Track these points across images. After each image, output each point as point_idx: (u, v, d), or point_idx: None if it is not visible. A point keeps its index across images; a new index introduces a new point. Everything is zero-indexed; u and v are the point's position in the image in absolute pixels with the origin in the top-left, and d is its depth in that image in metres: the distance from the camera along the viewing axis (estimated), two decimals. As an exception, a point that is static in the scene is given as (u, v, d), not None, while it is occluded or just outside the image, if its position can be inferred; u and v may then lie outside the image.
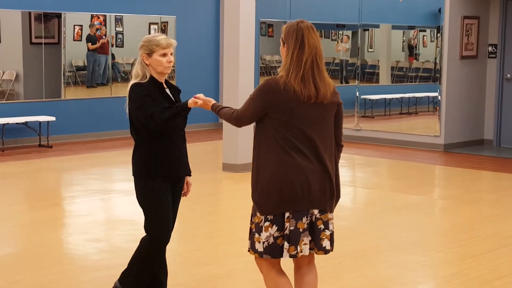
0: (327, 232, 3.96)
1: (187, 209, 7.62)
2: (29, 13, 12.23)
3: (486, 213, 7.94)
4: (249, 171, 9.85)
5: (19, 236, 6.91)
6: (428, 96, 13.05)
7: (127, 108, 4.51)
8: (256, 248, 3.94)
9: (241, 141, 9.86)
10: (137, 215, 7.48)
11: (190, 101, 4.31)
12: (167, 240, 4.55)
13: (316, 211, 3.91)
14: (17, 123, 11.84)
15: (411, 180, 9.79)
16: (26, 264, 5.90)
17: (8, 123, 11.68)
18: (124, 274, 4.70)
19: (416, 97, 13.66)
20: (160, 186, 4.47)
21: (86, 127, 12.99)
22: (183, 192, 4.74)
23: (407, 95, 13.74)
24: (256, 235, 3.94)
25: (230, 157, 9.96)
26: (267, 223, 3.89)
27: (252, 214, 4.03)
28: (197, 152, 11.46)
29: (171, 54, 4.50)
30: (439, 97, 12.29)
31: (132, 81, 4.50)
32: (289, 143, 3.84)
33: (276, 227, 3.88)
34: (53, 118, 12.13)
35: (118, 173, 10.31)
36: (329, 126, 3.95)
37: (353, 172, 10.57)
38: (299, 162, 3.84)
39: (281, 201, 3.84)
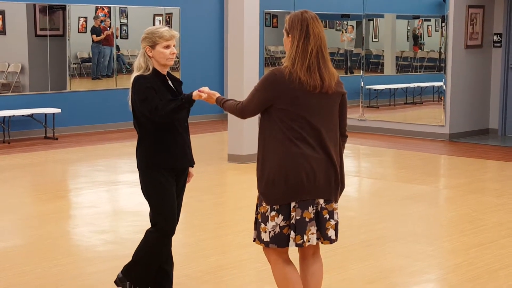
0: (332, 222, 3.98)
1: (193, 200, 7.63)
2: (34, 5, 12.24)
3: (491, 203, 7.93)
4: (254, 162, 9.89)
5: (25, 228, 6.94)
6: (433, 86, 13.04)
7: (130, 101, 4.51)
8: (262, 238, 3.95)
9: (246, 132, 9.87)
10: (143, 206, 7.50)
11: (195, 94, 4.31)
12: (172, 232, 4.57)
13: (321, 201, 3.93)
14: (23, 115, 11.87)
15: (416, 170, 9.79)
16: (33, 255, 5.93)
17: (14, 116, 11.71)
18: (129, 266, 4.70)
19: (421, 87, 13.65)
20: (165, 178, 4.48)
21: (91, 119, 13.01)
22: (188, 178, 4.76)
23: (412, 85, 13.73)
24: (262, 225, 3.95)
25: (235, 148, 9.97)
26: (273, 213, 3.90)
27: (257, 204, 4.04)
28: (202, 143, 11.46)
29: (174, 46, 4.50)
30: (444, 87, 12.27)
31: (135, 73, 4.49)
32: (295, 133, 3.85)
33: (282, 217, 3.89)
34: (58, 110, 12.15)
35: (123, 164, 10.33)
36: (334, 116, 3.96)
37: (358, 162, 10.57)
38: (305, 152, 3.84)
39: (287, 190, 3.85)
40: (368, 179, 9.31)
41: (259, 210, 4.01)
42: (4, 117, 11.65)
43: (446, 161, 10.79)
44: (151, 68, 4.47)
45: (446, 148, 11.63)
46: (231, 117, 9.98)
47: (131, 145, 11.32)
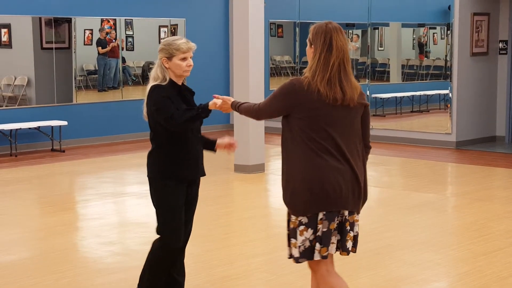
0: (351, 234, 3.95)
1: (200, 211, 7.60)
2: (40, 18, 12.29)
3: (499, 210, 7.91)
4: (260, 172, 9.92)
5: (33, 241, 6.94)
6: (439, 94, 13.02)
7: (145, 110, 4.51)
8: (293, 253, 3.92)
9: (252, 142, 9.87)
10: (150, 217, 7.50)
11: (211, 103, 4.32)
12: (177, 243, 4.55)
13: (346, 212, 3.89)
14: (29, 128, 11.90)
15: (424, 178, 9.77)
16: (40, 268, 5.93)
17: (20, 128, 11.74)
18: (140, 277, 4.72)
19: (427, 95, 13.63)
20: (176, 189, 4.48)
21: (98, 131, 13.03)
22: (232, 147, 4.79)
23: (418, 93, 13.72)
24: (293, 240, 3.91)
25: (242, 158, 9.96)
26: (301, 227, 3.85)
27: (288, 220, 3.98)
28: (208, 153, 11.44)
29: (190, 58, 4.51)
30: (450, 95, 12.26)
31: (151, 83, 4.49)
32: (317, 144, 3.81)
33: (312, 230, 3.85)
34: (65, 123, 12.18)
35: (130, 176, 10.34)
36: (355, 128, 3.92)
37: (365, 171, 10.51)
38: (330, 163, 3.81)
39: (312, 200, 3.80)
40: (375, 187, 9.29)
41: (290, 226, 3.95)
42: (11, 130, 11.68)
43: (453, 169, 10.76)
44: (167, 79, 4.47)
45: (453, 156, 11.61)
46: (237, 127, 9.99)
47: (138, 157, 11.37)
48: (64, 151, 12.00)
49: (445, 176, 10.50)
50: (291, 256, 3.98)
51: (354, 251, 4.01)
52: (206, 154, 4.72)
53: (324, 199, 3.80)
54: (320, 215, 3.83)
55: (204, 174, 4.68)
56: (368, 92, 13.42)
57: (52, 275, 5.70)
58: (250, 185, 9.36)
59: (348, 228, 3.92)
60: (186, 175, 4.51)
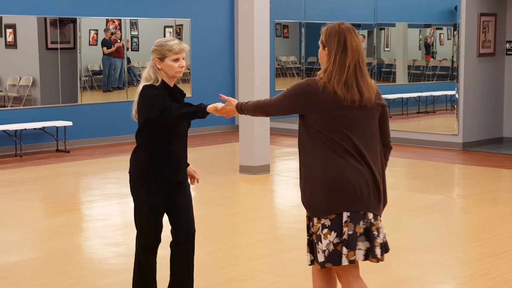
0: (379, 240, 3.83)
1: (205, 212, 7.60)
2: (45, 18, 12.28)
3: (506, 212, 7.86)
4: (266, 173, 9.89)
5: (38, 241, 6.92)
6: (446, 95, 12.97)
7: (134, 110, 4.55)
8: (319, 258, 3.81)
9: (257, 143, 9.84)
10: (155, 218, 7.48)
11: (210, 106, 4.26)
12: (148, 245, 4.60)
13: (370, 215, 3.80)
14: (34, 129, 11.89)
15: (430, 180, 9.73)
16: (45, 269, 5.91)
17: (25, 129, 11.73)
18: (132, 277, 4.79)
19: (434, 96, 13.58)
20: (156, 188, 4.51)
21: (103, 132, 13.01)
22: (193, 180, 4.75)
23: (424, 94, 13.67)
24: (319, 244, 3.79)
25: (247, 159, 9.93)
26: (325, 230, 3.76)
27: (308, 225, 3.92)
28: (213, 154, 11.44)
29: (183, 59, 4.49)
30: (457, 96, 12.21)
31: (143, 83, 4.49)
32: (336, 144, 3.74)
33: (336, 233, 3.75)
34: (70, 123, 12.16)
35: (135, 176, 10.30)
36: (373, 129, 3.86)
37: (371, 172, 10.47)
38: (350, 162, 3.74)
39: (333, 200, 3.72)
40: (381, 189, 9.25)
41: (312, 231, 3.88)
42: (16, 130, 11.67)
43: (459, 170, 10.72)
44: (159, 80, 4.46)
45: (459, 157, 11.56)
46: (242, 128, 9.95)
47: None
48: (69, 152, 11.99)
49: (452, 177, 10.45)
50: (312, 263, 3.90)
51: (383, 260, 3.88)
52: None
53: (344, 198, 3.72)
54: (345, 217, 3.73)
55: (185, 179, 4.64)
56: (374, 93, 13.36)
57: (57, 276, 5.69)
58: (256, 186, 9.34)
59: (376, 233, 3.81)
60: (167, 176, 4.52)
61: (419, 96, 13.76)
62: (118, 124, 13.14)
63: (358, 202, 3.74)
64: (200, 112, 4.29)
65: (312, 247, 3.91)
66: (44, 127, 11.95)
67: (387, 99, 13.64)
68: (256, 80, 9.77)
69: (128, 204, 8.53)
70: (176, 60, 4.46)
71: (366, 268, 5.82)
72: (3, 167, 10.74)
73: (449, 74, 12.73)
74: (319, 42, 3.89)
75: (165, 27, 13.84)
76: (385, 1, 13.23)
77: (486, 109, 12.44)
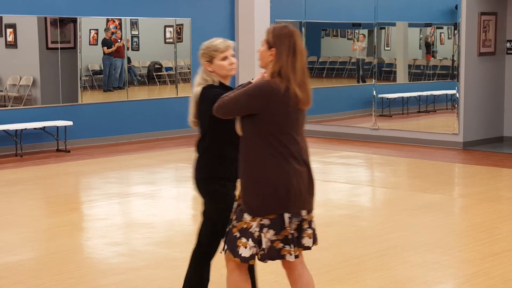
0: (309, 231, 4.00)
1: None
2: (45, 18, 12.28)
3: (506, 211, 7.86)
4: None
5: (38, 241, 6.93)
6: (446, 94, 12.97)
7: (192, 115, 4.39)
8: (240, 252, 3.92)
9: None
10: (155, 218, 7.48)
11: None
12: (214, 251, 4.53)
13: (303, 212, 3.96)
14: (34, 128, 11.89)
15: (430, 179, 9.72)
16: (46, 268, 5.91)
17: (26, 129, 11.73)
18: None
19: (434, 95, 13.58)
20: (232, 191, 4.36)
21: (103, 131, 13.01)
22: None
23: (425, 93, 13.67)
24: (243, 240, 3.91)
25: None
26: (265, 229, 3.89)
27: (233, 218, 4.00)
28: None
29: (232, 56, 4.43)
30: (457, 95, 12.20)
31: (198, 87, 4.36)
32: (283, 147, 3.86)
33: (274, 232, 3.89)
34: (70, 123, 12.17)
35: (136, 176, 10.32)
36: (303, 129, 4.02)
37: (371, 171, 10.50)
38: (294, 167, 3.87)
39: (275, 203, 3.85)
40: (381, 188, 9.25)
41: (236, 225, 3.95)
42: (16, 130, 11.67)
43: (460, 170, 10.71)
44: (216, 81, 4.37)
45: (460, 156, 11.56)
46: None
47: (143, 157, 11.35)
48: (69, 151, 11.99)
49: (452, 176, 10.45)
50: (230, 252, 3.97)
51: (315, 244, 4.06)
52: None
53: (286, 200, 3.86)
54: (287, 218, 3.88)
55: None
56: (374, 92, 13.37)
57: (58, 275, 5.69)
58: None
59: (307, 226, 3.99)
60: (236, 175, 4.26)
61: (420, 95, 13.76)
62: (119, 123, 13.14)
63: (297, 203, 3.90)
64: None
65: (230, 237, 3.97)
66: (44, 127, 11.95)
67: (387, 98, 13.64)
68: (256, 79, 9.76)
69: (129, 204, 8.55)
70: (225, 58, 4.40)
71: (366, 268, 5.83)
72: (3, 167, 10.74)
73: (449, 73, 12.73)
74: (263, 41, 3.96)
75: (165, 26, 13.83)
76: (386, 0, 13.22)
77: (487, 108, 12.43)
